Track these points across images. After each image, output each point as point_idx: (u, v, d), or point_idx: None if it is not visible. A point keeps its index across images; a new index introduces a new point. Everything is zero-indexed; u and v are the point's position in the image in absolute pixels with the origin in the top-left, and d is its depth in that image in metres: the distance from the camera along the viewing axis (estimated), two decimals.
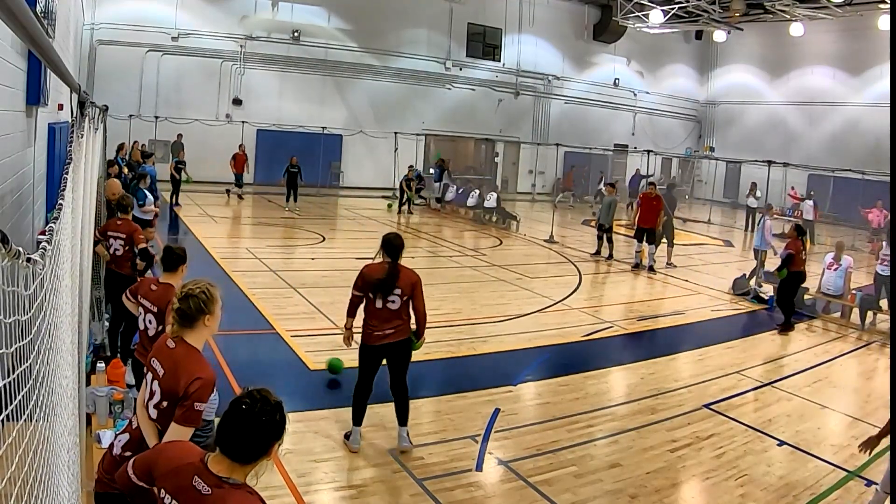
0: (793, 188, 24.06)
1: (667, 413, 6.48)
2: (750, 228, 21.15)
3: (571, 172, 28.45)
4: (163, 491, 2.23)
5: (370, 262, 5.24)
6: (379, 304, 5.10)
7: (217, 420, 2.30)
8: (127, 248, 6.56)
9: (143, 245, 6.49)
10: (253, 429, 2.12)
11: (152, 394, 3.11)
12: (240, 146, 21.71)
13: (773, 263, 12.95)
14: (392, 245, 5.19)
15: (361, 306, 5.26)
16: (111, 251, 6.62)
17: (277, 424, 2.16)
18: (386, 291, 5.08)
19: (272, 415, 2.15)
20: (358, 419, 5.29)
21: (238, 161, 21.14)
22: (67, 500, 2.26)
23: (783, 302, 10.12)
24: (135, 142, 18.28)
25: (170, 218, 16.18)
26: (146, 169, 12.19)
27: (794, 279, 10.06)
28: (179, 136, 21.63)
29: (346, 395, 6.30)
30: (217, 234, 14.48)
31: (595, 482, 5.02)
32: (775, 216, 21.01)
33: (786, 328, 9.89)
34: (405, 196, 21.42)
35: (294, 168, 19.95)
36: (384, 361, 5.28)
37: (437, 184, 23.00)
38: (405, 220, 20.25)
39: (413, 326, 5.26)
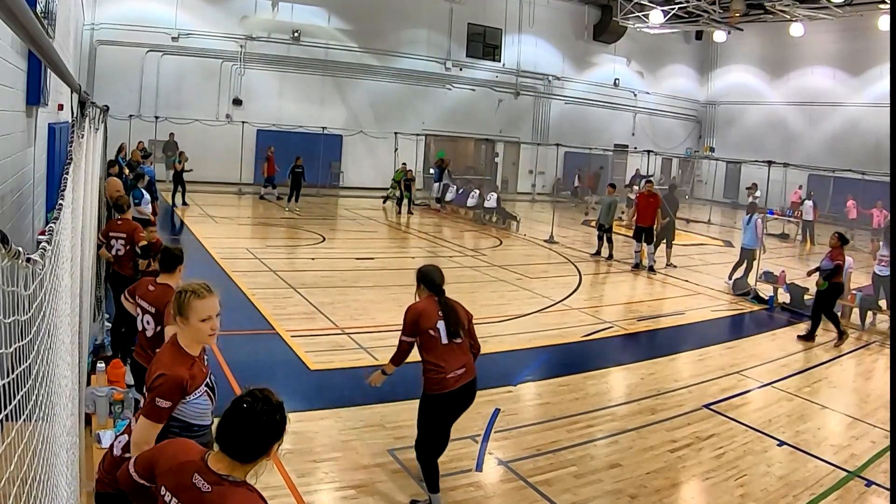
0: (800, 187, 24.00)
1: (667, 413, 6.47)
2: None
3: (599, 174, 28.12)
4: (164, 489, 2.23)
5: (415, 302, 4.62)
6: (444, 339, 4.48)
7: (216, 421, 2.30)
8: (128, 247, 6.59)
9: (143, 242, 6.50)
10: (253, 428, 2.13)
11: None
12: (269, 149, 21.55)
13: (764, 262, 12.96)
14: (433, 279, 4.61)
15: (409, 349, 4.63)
16: (113, 252, 6.65)
17: (278, 425, 2.16)
18: (457, 331, 4.50)
19: (273, 415, 2.15)
20: (436, 484, 4.50)
21: (270, 163, 21.11)
22: (66, 500, 2.26)
23: (818, 313, 9.60)
24: (139, 142, 18.33)
25: (170, 218, 16.19)
26: (145, 169, 12.21)
27: (836, 290, 9.57)
28: (171, 135, 21.59)
29: (346, 396, 6.33)
30: (217, 234, 14.47)
31: (595, 482, 5.02)
32: (776, 216, 21.05)
33: (809, 337, 9.49)
34: (403, 196, 21.35)
35: (299, 168, 19.97)
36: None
37: (437, 184, 22.99)
38: (405, 220, 20.25)
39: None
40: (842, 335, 9.46)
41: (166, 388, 2.89)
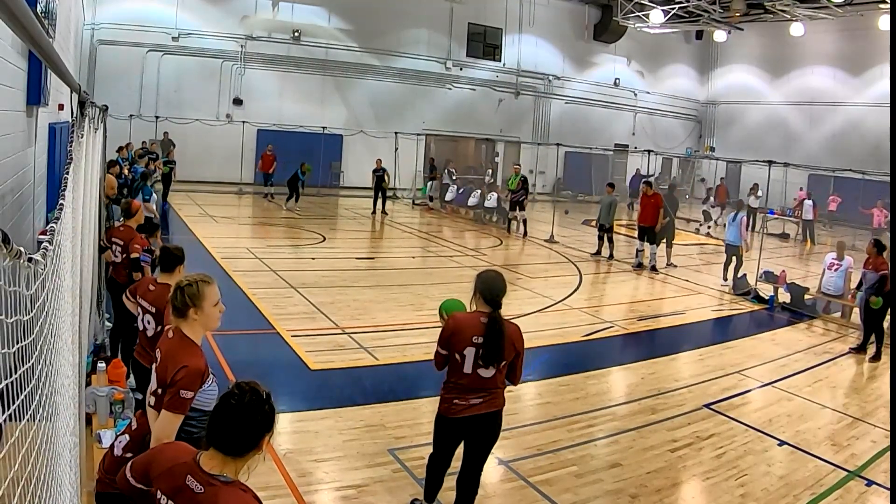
0: (801, 189, 23.90)
1: (667, 413, 6.48)
2: (751, 228, 21.13)
3: (723, 186, 26.72)
4: (159, 492, 2.22)
5: (458, 313, 4.14)
6: (468, 368, 3.95)
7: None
8: (124, 255, 6.49)
9: (135, 255, 6.25)
10: (243, 421, 2.13)
11: (152, 382, 3.18)
12: (268, 147, 21.52)
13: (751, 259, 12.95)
14: (490, 289, 3.98)
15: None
16: (111, 258, 6.59)
17: (267, 416, 2.17)
18: (489, 361, 3.93)
19: (261, 406, 2.16)
20: (431, 495, 4.33)
21: (265, 160, 21.03)
22: (69, 499, 2.26)
23: (876, 327, 8.83)
24: (151, 142, 18.35)
25: (168, 218, 16.19)
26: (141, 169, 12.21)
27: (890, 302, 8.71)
28: (166, 134, 21.52)
29: (346, 395, 6.33)
30: (217, 234, 14.47)
31: (595, 482, 5.02)
32: (776, 216, 21.05)
33: (875, 357, 8.73)
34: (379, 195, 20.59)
35: (303, 175, 19.97)
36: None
37: (430, 182, 23.13)
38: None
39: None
40: (878, 353, 8.77)
41: (189, 379, 2.96)
